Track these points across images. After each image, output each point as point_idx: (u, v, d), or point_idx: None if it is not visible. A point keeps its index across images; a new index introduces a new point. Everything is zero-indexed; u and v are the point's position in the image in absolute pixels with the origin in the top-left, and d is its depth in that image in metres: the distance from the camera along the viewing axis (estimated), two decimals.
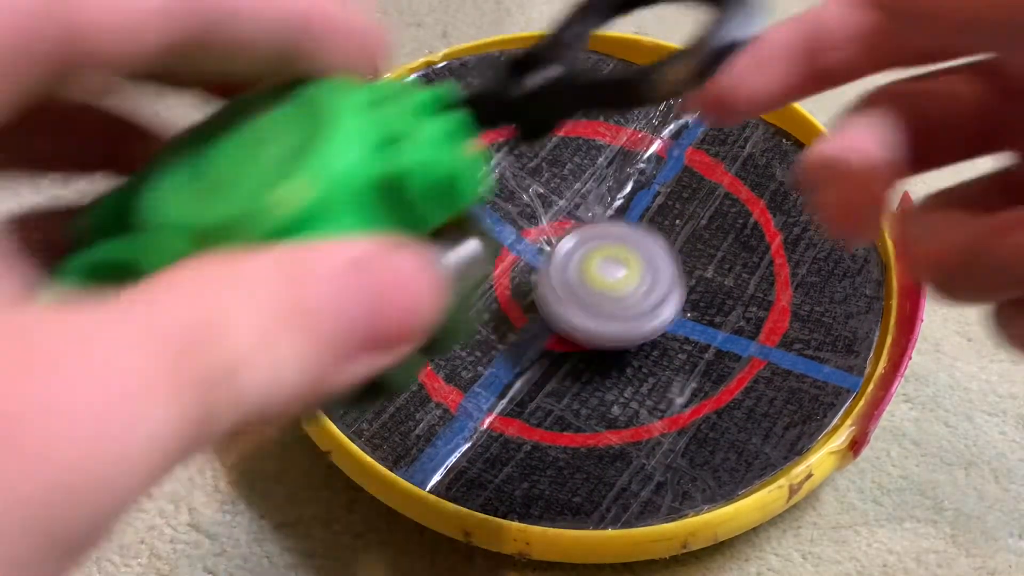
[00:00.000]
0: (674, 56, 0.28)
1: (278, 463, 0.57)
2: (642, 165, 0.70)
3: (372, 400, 0.26)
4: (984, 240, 0.26)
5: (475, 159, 0.26)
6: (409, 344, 0.22)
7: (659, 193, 0.69)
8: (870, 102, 0.30)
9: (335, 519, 0.55)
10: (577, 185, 0.69)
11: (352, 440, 0.55)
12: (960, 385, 0.62)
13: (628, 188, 0.69)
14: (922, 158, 0.30)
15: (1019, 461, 0.59)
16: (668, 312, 0.59)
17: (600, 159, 0.71)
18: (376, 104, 0.25)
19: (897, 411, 0.60)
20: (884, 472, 0.58)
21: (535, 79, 0.29)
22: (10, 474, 0.16)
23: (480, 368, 0.60)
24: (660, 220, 0.67)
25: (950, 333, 0.64)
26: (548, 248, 0.66)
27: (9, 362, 0.17)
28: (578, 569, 0.54)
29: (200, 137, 0.25)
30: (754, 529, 0.54)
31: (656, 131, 0.72)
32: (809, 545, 0.55)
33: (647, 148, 0.71)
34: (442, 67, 0.73)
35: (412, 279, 0.21)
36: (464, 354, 0.61)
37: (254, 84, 0.26)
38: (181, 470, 0.57)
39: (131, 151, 0.27)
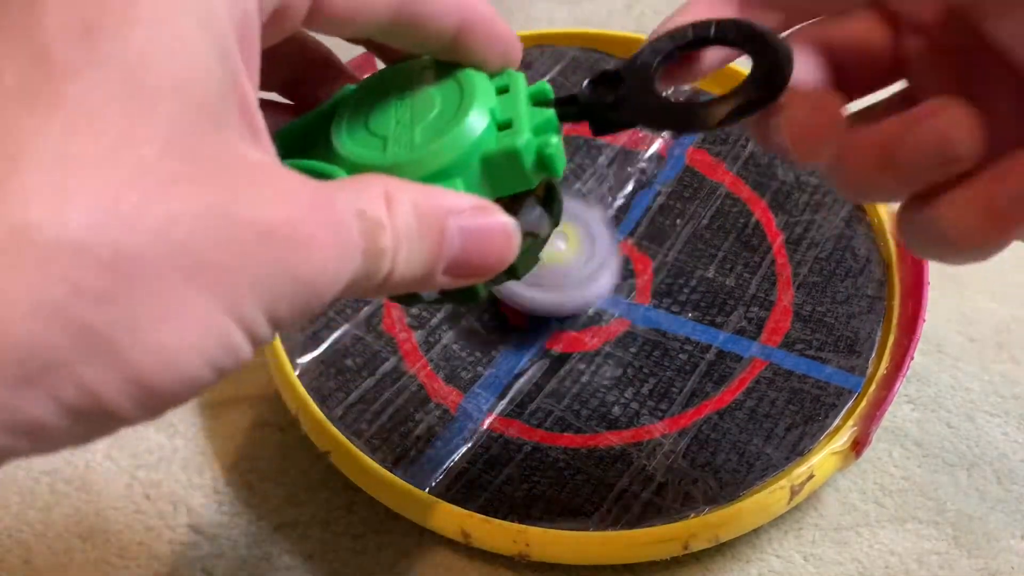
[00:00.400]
0: (728, 94, 0.35)
1: (277, 465, 0.57)
2: (643, 164, 0.70)
3: (448, 303, 0.36)
4: (905, 126, 0.30)
5: (561, 145, 0.33)
6: (488, 277, 0.31)
7: (660, 193, 0.68)
8: (793, 42, 0.36)
9: (334, 520, 0.55)
10: (578, 184, 0.69)
11: (351, 440, 0.55)
12: (962, 386, 0.62)
13: (629, 187, 0.69)
14: (844, 89, 0.35)
15: (1021, 462, 0.58)
16: (605, 280, 0.60)
17: (601, 158, 0.71)
18: (500, 92, 0.33)
19: (899, 412, 0.60)
20: (886, 473, 0.58)
21: (612, 92, 0.37)
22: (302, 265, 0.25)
23: (480, 368, 0.60)
24: (661, 220, 0.66)
25: (952, 333, 0.64)
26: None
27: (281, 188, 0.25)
28: (579, 569, 0.53)
29: (370, 91, 0.34)
30: (755, 530, 0.54)
31: (656, 129, 0.71)
32: (810, 546, 0.55)
33: (648, 147, 0.71)
34: None
35: (502, 233, 0.30)
36: (464, 354, 0.60)
37: (410, 57, 0.35)
38: (180, 471, 0.57)
39: (314, 86, 0.37)
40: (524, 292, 0.59)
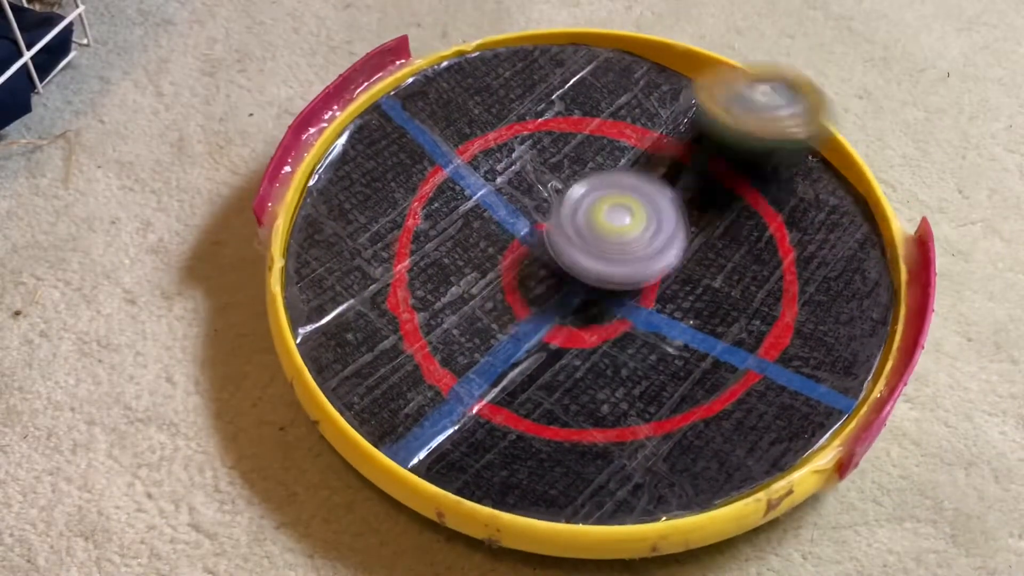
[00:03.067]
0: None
1: (279, 464, 0.58)
2: (664, 170, 0.70)
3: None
4: None
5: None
6: None
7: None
8: None
9: (335, 519, 0.55)
10: None
11: (341, 412, 0.56)
12: (960, 385, 0.62)
13: None
14: None
15: (1019, 461, 0.59)
16: (670, 257, 0.61)
17: (623, 160, 0.71)
18: None
19: (897, 411, 0.61)
20: (884, 472, 0.58)
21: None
22: None
23: (477, 355, 0.60)
24: None
25: (950, 333, 0.64)
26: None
27: None
28: (587, 564, 0.54)
29: None
30: (755, 529, 0.54)
31: (683, 136, 0.72)
32: (809, 545, 0.55)
33: (670, 153, 0.71)
34: (474, 56, 0.74)
35: None
36: (463, 340, 0.61)
37: None
38: (181, 471, 0.57)
39: None
40: (590, 264, 0.61)
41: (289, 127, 0.67)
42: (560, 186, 0.69)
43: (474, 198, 0.68)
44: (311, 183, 0.66)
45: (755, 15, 0.85)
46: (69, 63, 0.78)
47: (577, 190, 0.64)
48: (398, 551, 0.54)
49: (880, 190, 0.66)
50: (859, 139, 0.75)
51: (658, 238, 0.61)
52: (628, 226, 0.62)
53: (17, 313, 0.64)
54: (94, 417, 0.59)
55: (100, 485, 0.56)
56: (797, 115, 0.66)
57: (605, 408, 0.58)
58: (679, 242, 0.62)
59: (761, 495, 0.52)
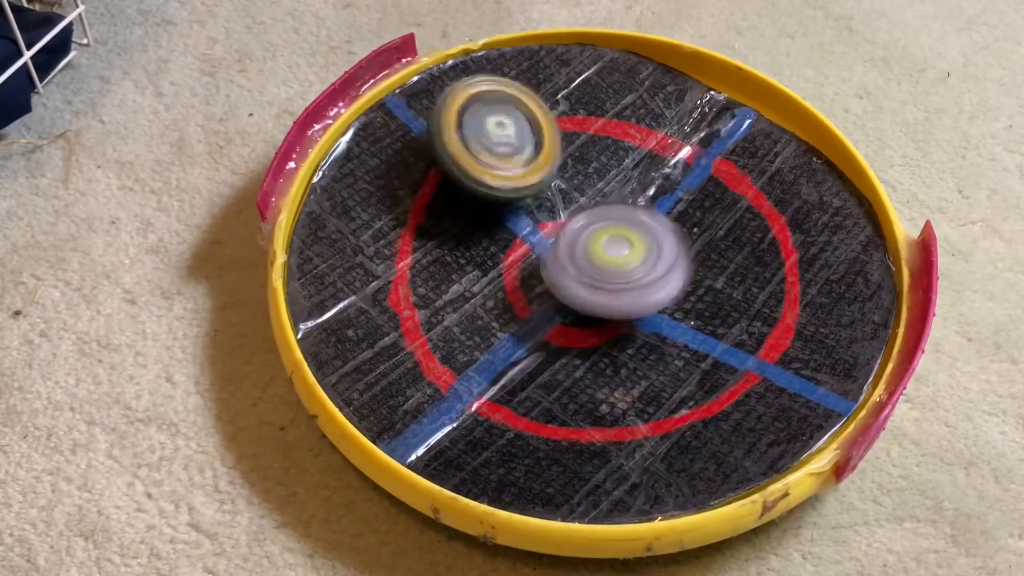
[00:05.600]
0: None
1: (278, 464, 0.58)
2: (668, 170, 0.70)
3: None
4: None
5: None
6: None
7: (681, 199, 0.68)
8: None
9: (335, 519, 0.55)
10: (600, 184, 0.69)
11: (340, 408, 0.56)
12: (960, 385, 0.62)
13: (651, 191, 0.69)
14: None
15: (1019, 461, 0.59)
16: (672, 286, 0.60)
17: (627, 160, 0.71)
18: None
19: (897, 411, 0.61)
20: (884, 472, 0.58)
21: None
22: None
23: (477, 353, 0.60)
24: (678, 227, 0.66)
25: (950, 333, 0.64)
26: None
27: None
28: (587, 564, 0.54)
29: None
30: (754, 529, 0.54)
31: (687, 137, 0.72)
32: (809, 545, 0.55)
33: (675, 154, 0.71)
34: (480, 55, 0.74)
35: None
36: (463, 338, 0.61)
37: None
38: (181, 471, 0.57)
39: None
40: (588, 296, 0.60)
41: (294, 123, 0.67)
42: (564, 186, 0.69)
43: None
44: (315, 179, 0.67)
45: (755, 15, 0.85)
46: (69, 63, 0.78)
47: (576, 222, 0.63)
48: (398, 551, 0.54)
49: (884, 193, 0.66)
50: (859, 139, 0.75)
51: (657, 269, 0.60)
52: (626, 257, 0.61)
53: (17, 313, 0.64)
54: (94, 417, 0.59)
55: (100, 485, 0.56)
56: (530, 161, 0.65)
57: (604, 407, 0.58)
58: (679, 274, 0.61)
59: (757, 497, 0.52)
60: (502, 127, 0.66)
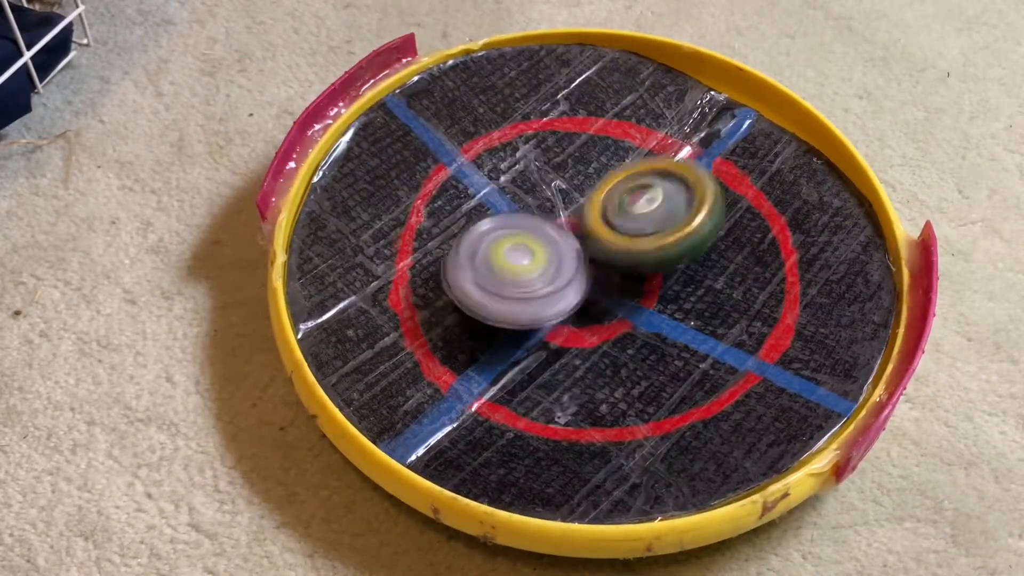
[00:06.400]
0: None
1: (278, 464, 0.58)
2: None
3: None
4: None
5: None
6: None
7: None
8: None
9: (335, 519, 0.55)
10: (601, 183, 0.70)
11: (340, 408, 0.56)
12: (960, 385, 0.62)
13: None
14: None
15: (1019, 461, 0.59)
16: (570, 298, 0.60)
17: (627, 160, 0.71)
18: None
19: (897, 411, 0.61)
20: (884, 472, 0.58)
21: None
22: None
23: (477, 353, 0.60)
24: None
25: (950, 333, 0.64)
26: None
27: None
28: (587, 564, 0.54)
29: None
30: (755, 529, 0.54)
31: (687, 137, 0.72)
32: (809, 545, 0.55)
33: (676, 154, 0.71)
34: (480, 55, 0.74)
35: None
36: (464, 338, 0.61)
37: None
38: (181, 471, 0.57)
39: None
40: (481, 299, 0.59)
41: (295, 123, 0.67)
42: (564, 186, 0.69)
43: (477, 197, 0.68)
44: (315, 179, 0.67)
45: (755, 15, 0.85)
46: (69, 63, 0.78)
47: (480, 226, 0.62)
48: (398, 551, 0.54)
49: (884, 193, 0.66)
50: (859, 139, 0.75)
51: (555, 282, 0.60)
52: (526, 266, 0.60)
53: (17, 313, 0.64)
54: (94, 417, 0.59)
55: (100, 485, 0.56)
56: (667, 230, 0.61)
57: (604, 408, 0.58)
58: (577, 289, 0.60)
59: (757, 497, 0.52)
60: (651, 203, 0.63)
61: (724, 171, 0.69)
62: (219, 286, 0.65)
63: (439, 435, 0.56)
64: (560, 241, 0.62)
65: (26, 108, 0.73)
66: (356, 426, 0.55)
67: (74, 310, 0.64)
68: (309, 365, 0.57)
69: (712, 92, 0.73)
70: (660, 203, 0.62)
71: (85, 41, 0.79)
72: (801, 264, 0.64)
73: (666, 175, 0.64)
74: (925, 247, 0.62)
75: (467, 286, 0.59)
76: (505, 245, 0.61)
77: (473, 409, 0.58)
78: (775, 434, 0.56)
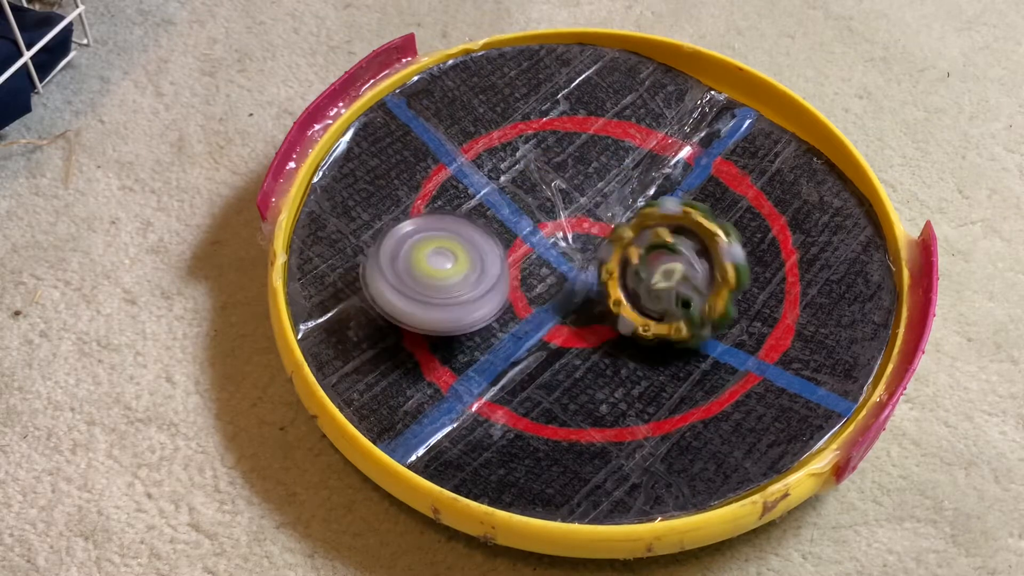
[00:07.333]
0: None
1: (278, 464, 0.58)
2: (668, 170, 0.70)
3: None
4: None
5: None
6: None
7: (681, 200, 0.68)
8: None
9: (335, 519, 0.55)
10: (600, 184, 0.70)
11: (340, 408, 0.56)
12: (960, 385, 0.62)
13: (651, 191, 0.69)
14: None
15: (1019, 461, 0.59)
16: (492, 305, 0.59)
17: (627, 160, 0.71)
18: None
19: (897, 411, 0.61)
20: (884, 472, 0.58)
21: None
22: None
23: (477, 353, 0.60)
24: None
25: (950, 333, 0.64)
26: (563, 244, 0.66)
27: None
28: (587, 564, 0.54)
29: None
30: (755, 529, 0.54)
31: (687, 137, 0.72)
32: (809, 545, 0.55)
33: (676, 154, 0.71)
34: (480, 55, 0.74)
35: None
36: (464, 338, 0.61)
37: None
38: (181, 471, 0.57)
39: None
40: (404, 307, 0.58)
41: (295, 123, 0.67)
42: (564, 186, 0.69)
43: (477, 196, 0.68)
44: (315, 180, 0.66)
45: (755, 15, 0.85)
46: (69, 63, 0.78)
47: (402, 228, 0.61)
48: (398, 551, 0.54)
49: (884, 193, 0.66)
50: (859, 139, 0.75)
51: (479, 287, 0.59)
52: (448, 271, 0.59)
53: (17, 313, 0.64)
54: (94, 417, 0.59)
55: (100, 485, 0.56)
56: (686, 313, 0.60)
57: (604, 408, 0.58)
58: (499, 296, 0.59)
59: (757, 497, 0.52)
60: (667, 276, 0.61)
61: (724, 171, 0.69)
62: (219, 286, 0.65)
63: (439, 435, 0.56)
64: (484, 244, 0.61)
65: (26, 108, 0.73)
66: (356, 426, 0.55)
67: (74, 310, 0.64)
68: (309, 365, 0.57)
69: (712, 92, 0.74)
70: (679, 277, 0.60)
71: (85, 41, 0.79)
72: (801, 264, 0.64)
73: (681, 231, 0.61)
74: (925, 247, 0.62)
75: (385, 290, 0.58)
76: (427, 248, 0.60)
77: (473, 409, 0.58)
78: (775, 434, 0.56)
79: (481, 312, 0.59)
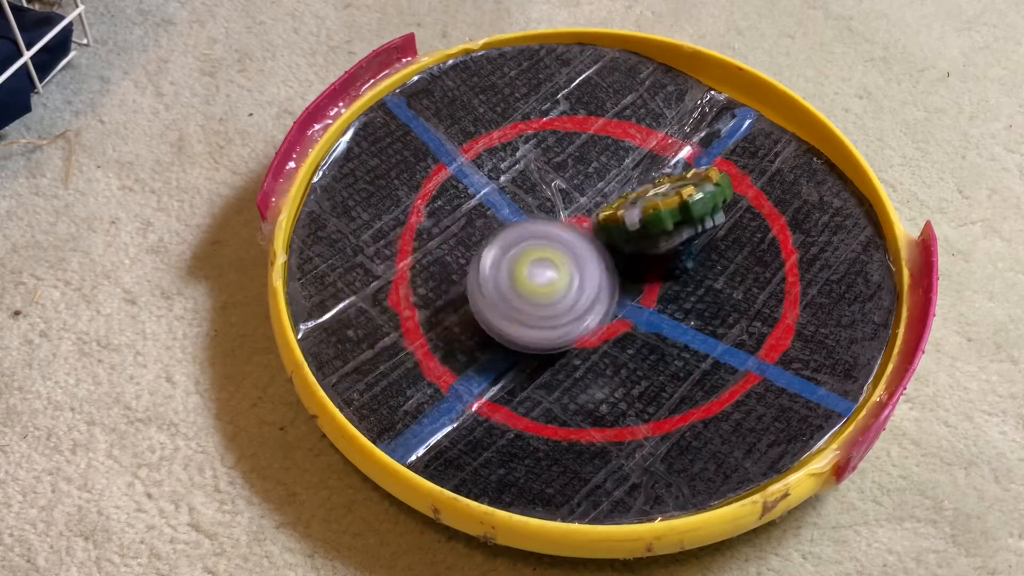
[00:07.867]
0: None
1: (278, 464, 0.58)
2: (668, 170, 0.70)
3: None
4: None
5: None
6: None
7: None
8: None
9: (335, 519, 0.55)
10: (600, 184, 0.69)
11: (340, 408, 0.56)
12: (960, 385, 0.62)
13: None
14: None
15: (1019, 461, 0.59)
16: (597, 313, 0.58)
17: (627, 160, 0.71)
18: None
19: (897, 411, 0.61)
20: (884, 472, 0.58)
21: None
22: None
23: (477, 353, 0.60)
24: None
25: (950, 333, 0.64)
26: None
27: None
28: (587, 564, 0.54)
29: None
30: (755, 529, 0.54)
31: (687, 137, 0.72)
32: (809, 545, 0.55)
33: (676, 154, 0.71)
34: (480, 55, 0.74)
35: None
36: (464, 338, 0.61)
37: None
38: (181, 471, 0.57)
39: None
40: (513, 332, 0.58)
41: (295, 123, 0.67)
42: (564, 186, 0.69)
43: (477, 196, 0.68)
44: (315, 179, 0.67)
45: (755, 15, 0.85)
46: (69, 63, 0.78)
47: (491, 251, 0.59)
48: (398, 551, 0.54)
49: (884, 193, 0.66)
50: (859, 139, 0.75)
51: (583, 296, 0.58)
52: (554, 283, 0.58)
53: (17, 313, 0.64)
54: (94, 417, 0.59)
55: (100, 485, 0.56)
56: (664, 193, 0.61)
57: (604, 408, 0.58)
58: (604, 300, 0.59)
59: (757, 497, 0.52)
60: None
61: (724, 171, 0.69)
62: (219, 286, 0.65)
63: (439, 435, 0.56)
64: (575, 240, 0.60)
65: (26, 108, 0.73)
66: (356, 426, 0.55)
67: (74, 310, 0.64)
68: (309, 365, 0.57)
69: (712, 92, 0.74)
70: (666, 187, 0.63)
71: (85, 41, 0.79)
72: (801, 264, 0.64)
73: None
74: (925, 247, 0.62)
75: (500, 323, 0.58)
76: (525, 264, 0.59)
77: (473, 409, 0.58)
78: (775, 434, 0.56)
79: (589, 321, 0.58)
